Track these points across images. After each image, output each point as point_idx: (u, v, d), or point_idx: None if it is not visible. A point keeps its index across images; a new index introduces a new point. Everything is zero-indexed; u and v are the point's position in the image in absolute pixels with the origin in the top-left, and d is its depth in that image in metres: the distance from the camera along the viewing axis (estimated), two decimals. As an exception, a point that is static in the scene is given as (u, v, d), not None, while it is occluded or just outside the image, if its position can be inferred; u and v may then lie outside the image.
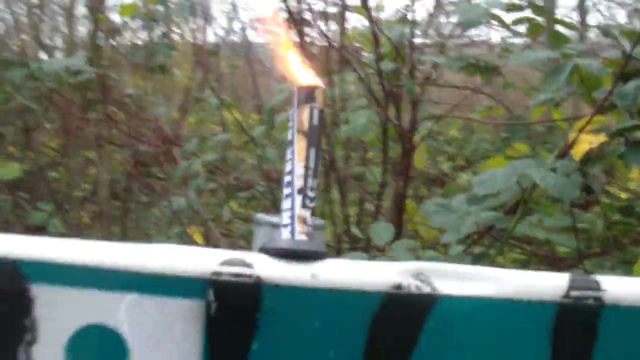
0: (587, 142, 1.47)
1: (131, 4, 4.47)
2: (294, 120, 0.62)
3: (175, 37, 5.58)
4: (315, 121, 0.61)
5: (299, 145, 0.61)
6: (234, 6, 5.49)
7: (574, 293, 0.56)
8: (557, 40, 2.02)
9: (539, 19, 2.24)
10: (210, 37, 5.35)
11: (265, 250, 0.57)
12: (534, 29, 2.26)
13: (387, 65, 2.33)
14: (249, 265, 0.53)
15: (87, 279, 0.53)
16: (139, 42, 4.82)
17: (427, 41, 3.20)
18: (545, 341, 0.56)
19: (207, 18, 5.27)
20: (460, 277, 0.57)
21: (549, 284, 0.56)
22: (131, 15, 4.61)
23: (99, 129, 3.67)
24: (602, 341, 0.58)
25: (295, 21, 2.71)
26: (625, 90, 1.52)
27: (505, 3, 2.28)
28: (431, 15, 2.98)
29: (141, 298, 0.53)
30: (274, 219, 0.62)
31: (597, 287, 0.57)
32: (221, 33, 4.99)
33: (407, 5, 2.71)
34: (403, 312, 0.55)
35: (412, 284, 0.55)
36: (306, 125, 0.61)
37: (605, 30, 1.76)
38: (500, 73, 2.32)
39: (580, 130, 1.49)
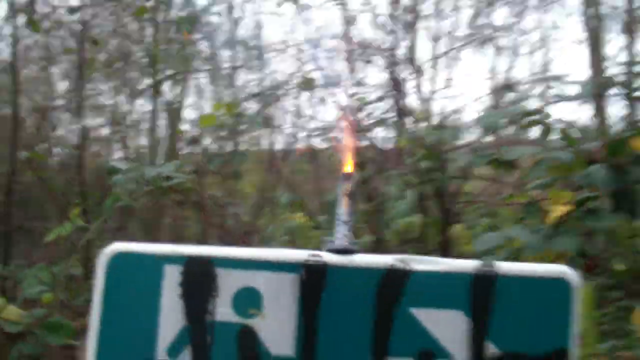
0: (558, 211, 2.04)
1: (210, 115, 5.23)
2: (341, 189, 1.22)
3: (246, 144, 6.32)
4: (350, 189, 1.22)
5: (344, 204, 1.21)
6: (300, 115, 6.20)
7: (481, 268, 1.13)
8: (545, 134, 2.63)
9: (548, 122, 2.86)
10: (278, 144, 6.05)
11: (327, 249, 1.14)
12: (546, 131, 2.87)
13: (423, 164, 2.95)
14: (320, 257, 1.12)
15: (242, 264, 1.12)
16: (215, 150, 5.55)
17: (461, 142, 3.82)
18: (464, 295, 1.12)
19: (276, 127, 6.01)
20: (425, 262, 1.14)
21: (466, 264, 1.13)
22: (210, 125, 5.37)
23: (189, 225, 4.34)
24: (499, 296, 1.13)
25: (356, 129, 3.38)
26: (587, 172, 2.10)
27: (523, 110, 2.93)
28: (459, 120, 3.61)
29: (270, 273, 1.12)
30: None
31: (492, 266, 1.13)
32: (288, 140, 5.67)
33: (444, 114, 3.35)
34: (393, 279, 1.12)
35: (398, 264, 1.12)
36: (345, 191, 1.21)
37: (564, 133, 2.35)
38: (516, 166, 2.91)
39: (554, 203, 2.06)
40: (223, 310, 1.12)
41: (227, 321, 1.11)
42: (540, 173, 2.29)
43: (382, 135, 5.17)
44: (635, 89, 2.62)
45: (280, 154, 5.52)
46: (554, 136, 2.82)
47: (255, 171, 5.58)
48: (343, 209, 1.20)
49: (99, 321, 1.13)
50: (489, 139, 3.99)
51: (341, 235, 1.17)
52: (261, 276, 1.13)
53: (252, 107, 8.77)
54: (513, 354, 1.14)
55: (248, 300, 1.12)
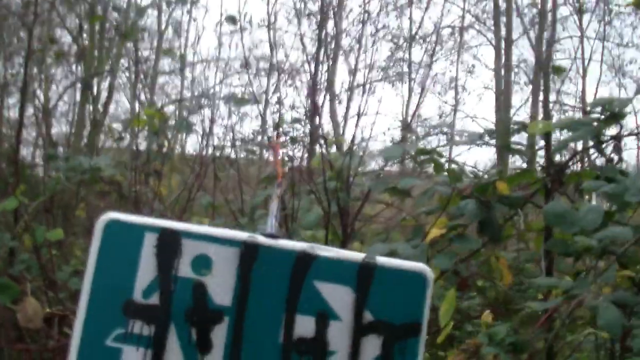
0: (434, 233, 2.59)
1: (143, 119, 5.66)
2: (274, 192, 1.71)
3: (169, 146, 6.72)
4: (280, 193, 1.71)
5: (274, 203, 1.71)
6: (228, 127, 6.66)
7: (365, 260, 1.63)
8: (437, 171, 3.19)
9: (441, 160, 3.43)
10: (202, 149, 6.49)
11: (261, 233, 1.63)
12: (437, 168, 3.45)
13: (331, 185, 3.47)
14: (255, 238, 1.60)
15: (200, 237, 1.60)
16: (140, 149, 5.96)
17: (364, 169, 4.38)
18: (352, 276, 1.62)
19: (204, 134, 6.43)
20: (328, 250, 1.63)
21: (357, 255, 1.64)
22: (140, 127, 5.79)
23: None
24: (375, 285, 1.64)
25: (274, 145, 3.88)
26: (460, 205, 2.67)
27: (418, 149, 3.50)
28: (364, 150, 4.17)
29: (219, 245, 1.59)
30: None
31: (374, 258, 1.64)
32: (213, 147, 6.12)
33: (350, 145, 3.89)
34: (304, 259, 1.61)
35: (308, 249, 1.61)
36: (277, 195, 1.71)
37: (449, 171, 2.91)
38: (409, 194, 3.47)
39: (432, 227, 2.62)
40: (183, 269, 1.58)
41: (185, 276, 1.58)
42: (425, 202, 2.84)
43: (296, 153, 5.70)
44: (507, 141, 3.21)
45: (203, 159, 5.94)
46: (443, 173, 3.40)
47: (179, 172, 5.98)
48: (274, 206, 1.69)
49: (93, 270, 1.58)
50: (392, 167, 4.54)
51: (271, 224, 1.66)
52: (213, 247, 1.60)
53: (177, 110, 9.18)
54: (382, 321, 1.65)
55: (202, 263, 1.59)
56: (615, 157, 3.00)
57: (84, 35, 8.11)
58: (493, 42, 16.79)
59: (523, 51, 17.07)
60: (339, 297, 1.62)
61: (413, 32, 17.61)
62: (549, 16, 16.60)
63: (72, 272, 4.43)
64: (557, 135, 3.97)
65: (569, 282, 2.28)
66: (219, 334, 1.58)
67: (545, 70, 13.95)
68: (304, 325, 1.60)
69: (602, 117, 2.89)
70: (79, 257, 4.94)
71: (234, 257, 1.59)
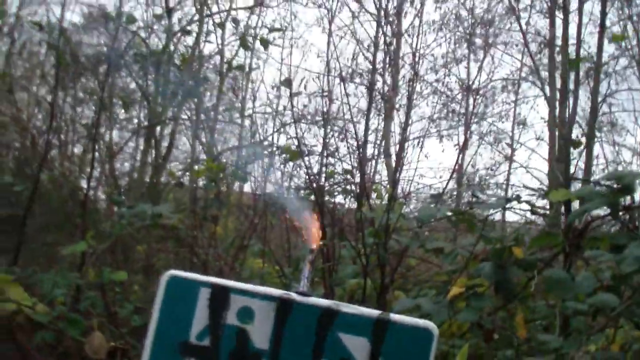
0: (454, 291, 2.90)
1: (202, 169, 6.10)
2: (307, 256, 2.05)
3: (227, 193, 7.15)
4: (312, 259, 2.06)
5: (307, 267, 2.06)
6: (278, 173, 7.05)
7: (380, 316, 1.96)
8: (472, 229, 3.51)
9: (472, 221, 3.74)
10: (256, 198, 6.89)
11: (294, 291, 1.97)
12: (471, 227, 3.75)
13: (369, 240, 3.80)
14: (290, 295, 1.94)
15: (244, 293, 1.95)
16: (200, 195, 6.40)
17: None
18: (369, 329, 1.95)
19: (256, 184, 6.85)
20: (349, 307, 1.97)
21: (374, 312, 1.97)
22: (200, 177, 6.22)
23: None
24: (388, 338, 1.97)
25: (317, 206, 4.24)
26: (478, 267, 2.98)
27: (450, 209, 3.82)
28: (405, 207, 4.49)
29: (260, 300, 1.94)
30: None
31: (388, 315, 1.96)
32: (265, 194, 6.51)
33: (390, 202, 4.21)
34: (329, 313, 1.95)
35: (331, 305, 1.95)
36: (309, 260, 2.06)
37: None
38: (442, 252, 3.79)
39: (452, 285, 2.93)
40: (230, 318, 1.94)
41: (232, 324, 1.94)
42: (451, 261, 3.16)
43: (345, 204, 6.07)
44: (533, 206, 3.51)
45: (257, 207, 6.33)
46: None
47: (233, 217, 6.39)
48: (306, 269, 2.04)
49: (157, 315, 1.95)
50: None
51: (303, 284, 2.01)
52: (255, 301, 1.96)
53: (234, 158, 9.64)
54: (394, 367, 1.98)
55: (246, 314, 1.95)
56: (630, 225, 3.28)
57: (149, 83, 8.63)
58: (548, 93, 16.98)
59: (581, 103, 17.17)
60: (357, 346, 1.95)
61: (468, 83, 17.95)
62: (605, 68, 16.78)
63: (132, 310, 4.84)
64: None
65: (559, 341, 2.56)
66: (257, 373, 1.93)
67: (567, 140, 14.12)
68: (328, 369, 1.95)
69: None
70: (138, 293, 5.36)
71: (272, 310, 1.94)
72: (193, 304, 1.95)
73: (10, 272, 4.28)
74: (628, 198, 3.27)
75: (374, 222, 4.21)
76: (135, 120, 9.49)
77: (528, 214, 4.92)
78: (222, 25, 7.34)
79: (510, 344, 3.52)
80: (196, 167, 7.12)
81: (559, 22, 16.68)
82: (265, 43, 6.86)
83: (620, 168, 17.37)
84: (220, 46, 8.76)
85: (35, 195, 4.88)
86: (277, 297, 1.95)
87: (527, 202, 3.63)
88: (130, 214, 4.69)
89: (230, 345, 1.93)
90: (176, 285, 1.97)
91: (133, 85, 8.97)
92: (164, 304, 1.95)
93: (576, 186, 4.55)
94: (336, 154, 7.20)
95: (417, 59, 16.02)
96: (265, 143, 8.56)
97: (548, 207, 4.16)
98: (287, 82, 6.30)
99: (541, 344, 2.66)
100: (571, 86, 16.55)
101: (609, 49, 17.17)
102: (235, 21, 7.49)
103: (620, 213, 3.30)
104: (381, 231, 3.84)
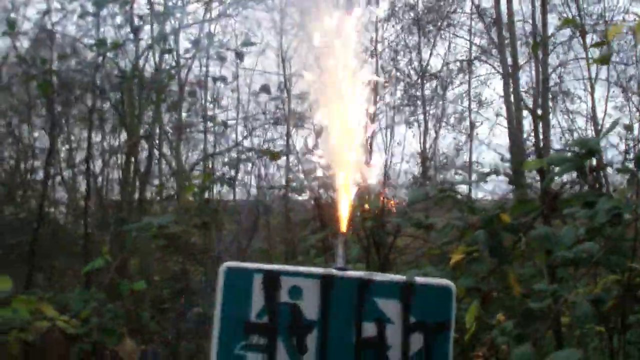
0: (455, 259, 3.30)
1: (192, 185, 6.44)
2: (339, 239, 2.43)
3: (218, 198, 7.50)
4: (343, 240, 2.45)
5: (341, 247, 2.44)
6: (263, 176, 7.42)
7: (407, 279, 2.35)
8: (455, 205, 3.90)
9: (459, 196, 4.14)
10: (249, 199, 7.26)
11: (334, 267, 2.33)
12: (456, 203, 4.14)
13: (368, 224, 4.19)
14: (331, 271, 2.31)
15: (292, 274, 2.32)
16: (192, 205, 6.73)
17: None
18: (398, 291, 2.33)
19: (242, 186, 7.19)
20: (380, 275, 2.35)
21: (400, 277, 2.35)
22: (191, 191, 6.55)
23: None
24: (415, 297, 2.36)
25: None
26: (473, 235, 3.39)
27: (437, 189, 4.23)
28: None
29: (305, 278, 2.31)
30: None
31: (413, 278, 2.35)
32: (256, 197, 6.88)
33: (383, 188, 4.60)
34: (365, 282, 2.33)
35: (367, 275, 2.32)
36: (341, 241, 2.44)
37: (467, 206, 3.62)
38: (433, 228, 4.19)
39: (454, 254, 3.34)
40: (283, 296, 2.31)
41: (285, 302, 2.30)
42: (446, 234, 3.56)
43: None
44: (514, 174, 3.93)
45: (248, 210, 6.68)
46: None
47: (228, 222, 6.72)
48: (341, 249, 2.42)
49: (221, 301, 2.31)
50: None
51: (340, 261, 2.39)
52: (302, 280, 2.33)
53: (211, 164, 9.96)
54: (423, 322, 2.37)
55: (295, 292, 2.32)
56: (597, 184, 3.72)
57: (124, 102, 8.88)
58: (500, 70, 17.55)
59: (532, 76, 17.75)
60: (390, 307, 2.34)
61: (423, 68, 18.46)
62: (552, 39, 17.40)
63: (148, 316, 5.18)
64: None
65: (555, 287, 2.97)
66: (311, 340, 2.30)
67: (534, 112, 14.73)
68: (368, 329, 2.32)
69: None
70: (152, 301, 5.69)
71: (317, 286, 2.31)
72: (249, 288, 2.31)
73: (32, 293, 4.60)
74: (594, 161, 3.69)
75: (367, 208, 4.60)
76: (113, 140, 9.76)
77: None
78: (196, 42, 7.64)
79: (504, 305, 3.94)
80: (183, 179, 7.46)
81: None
82: (240, 55, 7.20)
83: (575, 135, 18.03)
84: (190, 60, 9.06)
85: (40, 226, 5.18)
86: (320, 274, 2.32)
87: (506, 174, 4.05)
88: (136, 227, 5.01)
89: (285, 320, 2.30)
90: (233, 274, 2.33)
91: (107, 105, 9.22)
92: (225, 291, 2.32)
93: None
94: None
95: (377, 50, 16.46)
96: (241, 147, 8.88)
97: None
98: (265, 89, 6.66)
99: (537, 292, 3.06)
100: (520, 61, 17.15)
101: (554, 21, 17.78)
102: (210, 36, 7.80)
103: (588, 175, 3.73)
104: (376, 215, 4.23)
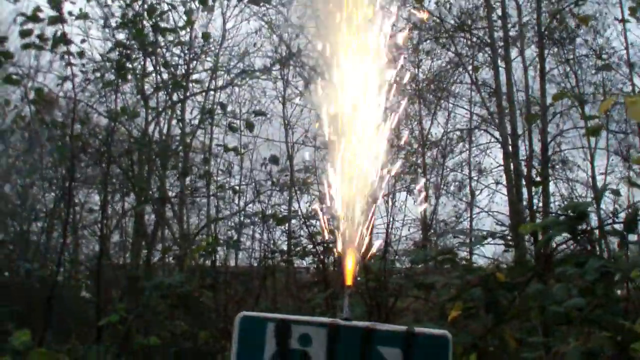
0: (453, 315, 3.50)
1: (200, 245, 6.66)
2: (346, 292, 2.65)
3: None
4: (349, 294, 2.66)
5: (347, 299, 2.65)
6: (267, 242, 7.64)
7: (407, 330, 2.55)
8: (454, 267, 4.11)
9: (457, 260, 4.35)
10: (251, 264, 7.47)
11: (340, 318, 2.54)
12: (454, 265, 4.37)
13: (371, 284, 4.40)
14: (337, 321, 2.52)
15: (302, 323, 2.52)
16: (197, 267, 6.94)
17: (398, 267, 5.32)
18: (400, 341, 2.53)
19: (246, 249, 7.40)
20: (384, 325, 2.55)
21: (402, 328, 2.55)
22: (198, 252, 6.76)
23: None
24: (415, 346, 2.55)
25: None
26: (470, 293, 3.60)
27: (436, 251, 4.45)
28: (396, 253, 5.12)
29: (314, 327, 2.51)
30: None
31: (413, 329, 2.55)
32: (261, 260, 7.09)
33: (384, 251, 4.82)
34: (369, 332, 2.53)
35: (370, 325, 2.53)
36: (347, 294, 2.66)
37: (464, 267, 3.84)
38: (434, 287, 4.39)
39: (451, 310, 3.54)
40: (293, 343, 2.51)
41: (295, 348, 2.50)
42: (445, 292, 3.78)
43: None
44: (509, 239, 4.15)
45: (253, 273, 6.88)
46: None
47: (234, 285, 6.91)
48: (346, 300, 2.63)
49: (236, 348, 2.51)
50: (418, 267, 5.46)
51: (346, 312, 2.60)
52: (311, 328, 2.53)
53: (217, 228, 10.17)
54: (422, 370, 2.56)
55: (305, 339, 2.52)
56: (589, 246, 3.94)
57: (134, 168, 9.15)
58: (500, 139, 17.90)
59: (526, 145, 18.08)
60: (393, 355, 2.53)
61: (424, 137, 18.84)
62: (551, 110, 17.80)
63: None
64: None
65: (547, 339, 3.16)
66: (319, 385, 2.50)
67: (529, 177, 15.08)
68: (373, 375, 2.52)
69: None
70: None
71: (324, 334, 2.51)
72: (263, 336, 2.52)
73: (49, 347, 4.79)
74: (585, 225, 3.92)
75: (370, 271, 4.81)
76: (122, 203, 10.01)
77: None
78: (211, 112, 7.95)
79: (500, 358, 4.12)
80: (188, 244, 7.68)
81: (502, 70, 17.71)
82: (251, 125, 7.50)
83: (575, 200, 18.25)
84: (201, 127, 9.38)
85: (56, 285, 5.39)
86: (327, 323, 2.53)
87: (502, 237, 4.27)
88: (151, 285, 5.21)
89: (296, 365, 2.50)
90: (247, 322, 2.54)
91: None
92: (240, 337, 2.52)
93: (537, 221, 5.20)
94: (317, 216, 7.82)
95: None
96: (246, 212, 9.12)
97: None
98: (274, 159, 6.94)
99: (530, 344, 3.26)
100: (519, 130, 17.51)
101: (552, 89, 18.21)
102: (223, 106, 8.11)
103: (579, 237, 3.95)
104: (379, 276, 4.44)
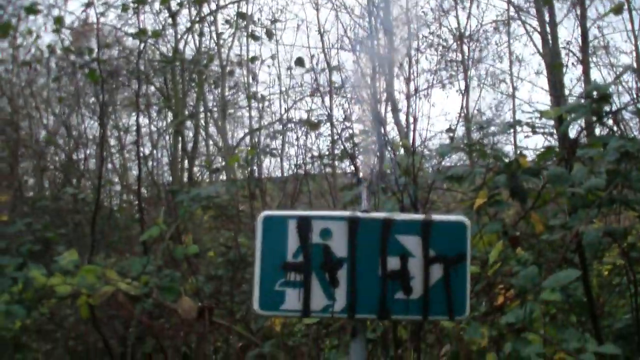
0: (478, 202, 3.56)
1: (236, 155, 6.74)
2: (362, 184, 2.72)
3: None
4: (366, 185, 2.74)
5: (364, 191, 2.73)
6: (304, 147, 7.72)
7: (425, 218, 2.62)
8: (482, 157, 4.15)
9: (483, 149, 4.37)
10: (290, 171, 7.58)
11: (359, 210, 2.62)
12: (483, 155, 4.40)
13: (401, 180, 4.46)
14: (356, 213, 2.61)
15: (322, 218, 2.61)
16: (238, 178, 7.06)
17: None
18: (418, 228, 2.61)
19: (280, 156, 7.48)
20: (401, 215, 2.63)
21: (420, 215, 2.62)
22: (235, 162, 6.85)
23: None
24: (433, 233, 2.63)
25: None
26: (497, 179, 3.64)
27: (465, 143, 4.48)
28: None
29: (334, 221, 2.60)
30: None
31: (431, 216, 2.62)
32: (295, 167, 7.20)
33: (412, 147, 4.84)
34: (388, 221, 2.60)
35: (390, 216, 2.60)
36: (365, 186, 2.73)
37: (492, 155, 3.87)
38: (462, 179, 4.43)
39: (477, 198, 3.59)
40: (315, 238, 2.60)
41: (317, 242, 2.60)
42: (471, 181, 3.82)
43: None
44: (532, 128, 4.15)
45: (292, 180, 7.00)
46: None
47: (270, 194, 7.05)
48: (364, 193, 2.70)
49: (260, 246, 2.62)
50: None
51: (364, 205, 2.67)
52: (331, 222, 2.61)
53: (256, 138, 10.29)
54: (441, 254, 2.64)
55: (326, 233, 2.61)
56: (616, 128, 3.93)
57: (169, 85, 9.23)
58: (538, 28, 17.49)
59: (570, 31, 17.67)
60: (412, 242, 2.61)
61: (460, 31, 18.50)
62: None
63: (203, 280, 5.53)
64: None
65: (568, 220, 3.21)
66: (342, 275, 2.59)
67: (553, 64, 14.72)
68: (393, 263, 2.60)
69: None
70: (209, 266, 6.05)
71: (345, 227, 2.60)
72: (285, 232, 2.61)
73: (94, 262, 5.00)
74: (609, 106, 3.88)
75: (400, 166, 4.85)
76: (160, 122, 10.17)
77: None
78: (233, 23, 7.94)
79: (528, 242, 4.19)
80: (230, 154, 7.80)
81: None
82: (270, 34, 7.48)
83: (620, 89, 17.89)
84: (226, 41, 9.37)
85: (98, 205, 5.58)
86: (347, 216, 2.61)
87: (528, 123, 4.27)
88: (188, 198, 5.35)
89: (318, 259, 2.60)
90: (270, 221, 2.64)
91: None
92: (264, 237, 2.62)
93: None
94: (352, 118, 7.85)
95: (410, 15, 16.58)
96: (284, 120, 9.20)
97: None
98: (300, 62, 6.92)
99: (551, 228, 3.31)
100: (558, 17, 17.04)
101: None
102: (243, 15, 8.07)
103: (605, 119, 3.93)
104: (409, 172, 4.49)
